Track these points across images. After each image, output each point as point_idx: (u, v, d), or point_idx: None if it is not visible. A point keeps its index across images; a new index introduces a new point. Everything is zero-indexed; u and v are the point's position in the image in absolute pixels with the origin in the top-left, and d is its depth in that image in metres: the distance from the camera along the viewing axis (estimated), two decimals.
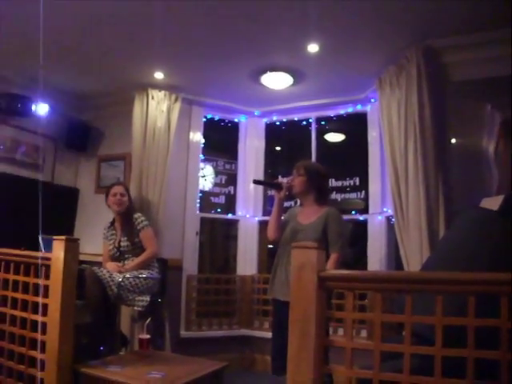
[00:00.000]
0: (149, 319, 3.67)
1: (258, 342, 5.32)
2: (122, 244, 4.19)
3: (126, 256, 4.19)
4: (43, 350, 2.93)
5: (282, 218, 3.71)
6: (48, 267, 3.01)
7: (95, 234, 5.01)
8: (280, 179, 3.64)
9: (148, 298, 3.97)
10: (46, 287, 3.00)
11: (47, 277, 3.01)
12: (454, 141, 4.01)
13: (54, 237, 3.03)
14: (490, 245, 2.28)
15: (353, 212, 5.15)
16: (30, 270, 3.11)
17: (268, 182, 3.72)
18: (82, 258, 4.92)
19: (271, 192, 5.77)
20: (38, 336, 2.96)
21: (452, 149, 3.97)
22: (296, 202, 5.12)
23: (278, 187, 3.65)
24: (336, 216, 3.46)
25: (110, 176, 5.60)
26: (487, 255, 2.24)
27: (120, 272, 3.96)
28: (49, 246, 3.12)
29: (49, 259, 3.01)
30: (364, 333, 4.66)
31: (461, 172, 3.85)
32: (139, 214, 4.35)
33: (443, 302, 1.73)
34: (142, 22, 3.86)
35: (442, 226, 3.64)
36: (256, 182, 4.12)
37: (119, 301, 3.93)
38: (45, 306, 2.97)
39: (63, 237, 2.96)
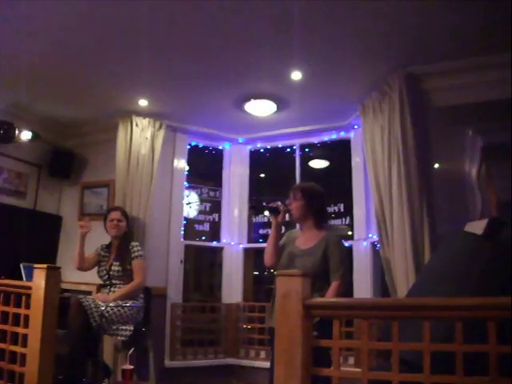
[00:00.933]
0: (132, 349, 3.61)
1: (245, 371, 5.24)
2: (112, 268, 4.13)
3: (114, 282, 4.12)
4: (21, 382, 2.84)
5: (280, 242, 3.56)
6: (28, 296, 2.95)
7: None
8: (276, 203, 3.50)
9: (132, 328, 3.91)
10: (27, 317, 2.93)
11: (27, 306, 2.95)
12: (437, 165, 4.03)
13: (35, 265, 2.96)
14: (477, 268, 2.28)
15: (341, 238, 5.11)
16: (9, 300, 3.04)
17: (265, 206, 3.60)
18: (64, 286, 4.88)
19: (255, 219, 5.77)
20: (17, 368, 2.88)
21: (435, 173, 3.99)
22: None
23: (276, 211, 3.46)
24: (337, 241, 3.31)
25: (93, 203, 5.57)
26: (474, 279, 2.24)
27: (104, 301, 3.88)
28: (30, 275, 3.05)
29: (30, 288, 2.94)
30: (351, 360, 4.61)
31: (444, 196, 3.87)
32: (136, 244, 4.32)
33: (431, 327, 1.71)
34: (126, 50, 3.87)
35: (427, 250, 3.63)
36: (252, 207, 4.02)
37: (102, 330, 3.86)
38: (24, 337, 2.90)
39: (44, 265, 2.90)
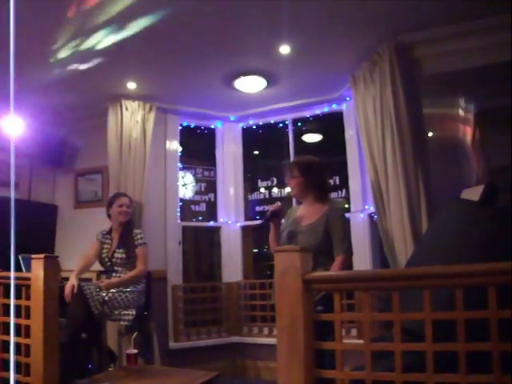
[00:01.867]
0: (135, 333, 3.62)
1: (249, 349, 5.28)
2: (115, 255, 4.12)
3: (116, 269, 4.12)
4: (28, 373, 2.85)
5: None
6: (28, 287, 2.94)
7: (76, 250, 4.93)
8: (274, 206, 3.39)
9: (134, 312, 3.93)
10: (28, 308, 2.93)
11: (28, 297, 2.94)
12: (430, 134, 4.02)
13: (33, 255, 2.96)
14: (476, 235, 2.28)
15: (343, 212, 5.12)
16: (8, 292, 3.03)
17: (268, 217, 3.47)
18: (63, 274, 4.87)
19: (251, 196, 5.77)
20: (18, 358, 2.88)
21: (429, 142, 3.97)
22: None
23: (277, 216, 3.36)
24: (339, 215, 3.25)
25: (87, 190, 5.55)
26: (473, 245, 2.23)
27: (107, 287, 3.88)
28: (29, 266, 3.04)
29: (29, 279, 2.94)
30: (354, 332, 4.65)
31: (439, 164, 3.86)
32: (140, 231, 4.31)
33: (432, 297, 1.71)
34: (111, 32, 3.79)
35: (424, 220, 3.64)
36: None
37: (104, 317, 3.88)
38: (27, 327, 2.90)
39: (42, 255, 2.90)
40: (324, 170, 3.50)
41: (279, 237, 3.37)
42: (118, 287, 3.95)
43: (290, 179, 3.39)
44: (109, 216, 4.36)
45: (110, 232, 4.35)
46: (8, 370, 2.95)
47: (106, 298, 3.81)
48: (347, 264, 3.13)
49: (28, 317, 2.92)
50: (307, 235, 3.19)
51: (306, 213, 3.35)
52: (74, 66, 4.38)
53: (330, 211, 3.24)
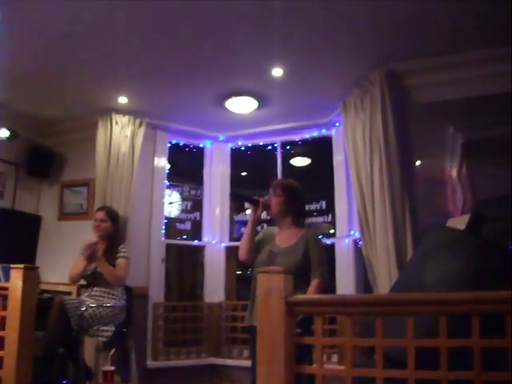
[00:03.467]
0: (113, 350, 3.55)
1: (227, 371, 5.21)
2: (98, 269, 4.05)
3: (98, 282, 4.06)
4: None
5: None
6: (5, 297, 2.88)
7: (58, 262, 4.89)
8: (257, 197, 3.40)
9: (113, 328, 3.88)
10: (3, 318, 2.87)
11: (4, 307, 2.88)
12: (418, 162, 4.04)
13: (12, 265, 2.90)
14: (460, 263, 2.27)
15: (320, 236, 5.12)
16: None
17: (246, 196, 3.51)
18: (44, 287, 4.81)
19: (237, 217, 5.74)
20: None
21: (417, 170, 3.99)
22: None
23: (255, 204, 3.35)
24: (317, 239, 3.31)
25: (73, 202, 5.49)
26: (458, 273, 2.23)
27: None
28: (8, 275, 2.99)
29: (6, 289, 2.88)
30: (335, 358, 4.61)
31: (426, 193, 3.88)
32: (123, 245, 4.28)
33: (414, 323, 1.69)
34: (105, 48, 3.82)
35: (409, 247, 3.63)
36: (233, 194, 3.93)
37: (83, 332, 3.81)
38: (1, 339, 2.84)
39: (21, 265, 2.84)
40: (304, 195, 3.52)
41: (254, 234, 3.38)
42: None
43: (271, 197, 3.38)
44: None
45: (96, 244, 4.29)
46: None
47: (85, 313, 3.75)
48: (322, 287, 3.13)
49: (3, 328, 2.85)
50: (286, 257, 3.18)
51: (283, 235, 3.35)
52: (66, 78, 4.37)
53: (308, 234, 3.27)
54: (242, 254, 3.39)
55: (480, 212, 2.75)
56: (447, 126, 4.23)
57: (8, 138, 4.95)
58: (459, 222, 2.76)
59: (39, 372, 3.31)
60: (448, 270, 2.29)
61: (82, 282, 4.22)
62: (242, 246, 3.40)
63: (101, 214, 4.32)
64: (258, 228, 3.63)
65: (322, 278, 3.13)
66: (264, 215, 3.52)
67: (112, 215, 4.40)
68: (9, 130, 4.93)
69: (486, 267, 2.21)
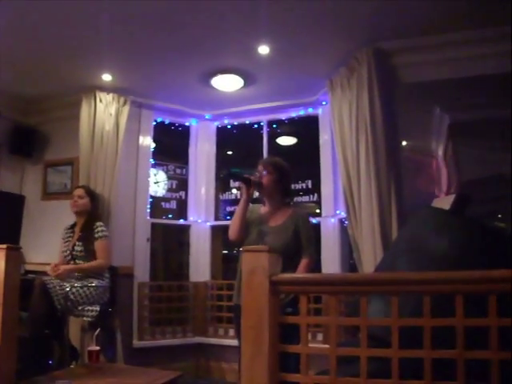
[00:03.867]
0: (98, 330, 3.54)
1: (213, 350, 5.24)
2: (75, 248, 4.08)
3: (77, 262, 4.06)
4: None
5: None
6: None
7: (42, 243, 4.85)
8: (249, 175, 3.38)
9: (98, 308, 3.88)
10: None
11: None
12: (404, 143, 4.04)
13: None
14: (445, 243, 2.28)
15: (309, 216, 5.13)
16: None
17: (238, 174, 3.48)
18: (28, 267, 4.78)
19: (223, 196, 5.72)
20: None
21: (403, 150, 3.99)
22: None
23: (248, 183, 3.31)
24: (307, 219, 3.33)
25: (56, 182, 5.45)
26: (442, 254, 2.24)
27: (57, 275, 3.82)
28: None
29: None
30: (320, 336, 4.64)
31: (412, 173, 3.88)
32: (101, 224, 4.24)
33: (399, 302, 1.70)
34: (87, 23, 3.73)
35: (394, 227, 3.65)
36: (227, 173, 3.90)
37: (68, 312, 3.80)
38: None
39: (4, 245, 2.81)
40: (292, 175, 3.53)
41: (245, 213, 3.35)
42: (73, 272, 3.93)
43: (262, 175, 3.36)
44: None
45: (74, 225, 4.32)
46: None
47: (70, 294, 3.74)
48: (312, 266, 3.18)
49: None
50: (275, 236, 3.20)
51: (271, 214, 3.36)
52: (48, 54, 4.29)
53: (298, 214, 3.30)
54: (233, 233, 3.36)
55: (465, 193, 2.76)
56: (434, 107, 4.21)
57: None
58: (444, 203, 2.78)
59: (24, 353, 3.30)
60: (433, 250, 2.30)
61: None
62: (233, 225, 3.37)
63: (79, 191, 4.35)
64: None
65: (311, 258, 3.18)
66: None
67: (90, 192, 4.43)
68: None
69: (470, 247, 2.22)
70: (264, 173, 3.37)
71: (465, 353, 1.58)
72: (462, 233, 2.32)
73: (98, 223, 4.22)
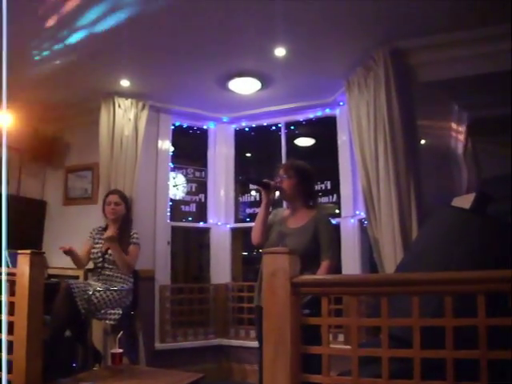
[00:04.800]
0: (121, 332, 3.58)
1: (235, 351, 5.26)
2: (109, 252, 4.07)
3: (107, 266, 4.08)
4: (10, 371, 2.81)
5: None
6: (13, 283, 2.90)
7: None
8: (269, 180, 3.41)
9: (120, 311, 3.91)
10: (12, 304, 2.89)
11: (12, 293, 2.90)
12: (423, 141, 4.02)
13: (19, 251, 2.92)
14: (466, 242, 2.27)
15: (330, 218, 5.11)
16: None
17: (257, 180, 3.52)
18: (51, 271, 4.84)
19: (242, 198, 5.74)
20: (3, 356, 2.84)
21: (422, 149, 3.97)
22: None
23: (267, 187, 3.36)
24: (327, 221, 3.31)
25: (77, 187, 5.51)
26: (463, 253, 2.23)
27: (109, 239, 3.91)
28: (15, 261, 3.00)
29: (14, 274, 2.90)
30: (341, 337, 4.63)
31: (431, 172, 3.86)
32: (136, 231, 4.28)
33: (420, 303, 1.70)
34: (106, 30, 3.77)
35: (414, 226, 3.63)
36: (245, 179, 3.95)
37: (91, 315, 3.84)
38: (11, 324, 2.86)
39: (28, 251, 2.86)
40: (315, 176, 3.56)
41: (267, 217, 3.40)
42: (114, 249, 3.98)
43: (283, 179, 3.39)
44: (105, 216, 4.37)
45: (105, 228, 4.33)
46: None
47: (93, 297, 3.78)
48: (333, 269, 3.16)
49: (12, 313, 2.88)
50: (295, 238, 3.21)
51: (294, 216, 3.38)
52: (67, 62, 4.35)
53: (319, 216, 3.29)
54: (256, 237, 3.40)
55: (485, 191, 2.74)
56: (452, 105, 4.19)
57: (11, 125, 4.93)
58: (464, 201, 2.76)
59: (48, 356, 3.34)
60: (453, 248, 2.29)
61: (89, 265, 4.26)
62: (256, 229, 3.41)
63: (115, 197, 4.32)
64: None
65: (332, 261, 3.15)
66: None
67: (125, 198, 4.43)
68: (12, 116, 4.91)
69: (491, 247, 2.21)
70: (284, 177, 3.39)
71: (488, 353, 1.58)
72: (482, 232, 2.31)
73: (134, 230, 4.27)
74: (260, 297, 3.24)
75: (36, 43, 4.01)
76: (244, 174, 5.67)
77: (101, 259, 4.10)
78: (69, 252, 3.88)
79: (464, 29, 3.69)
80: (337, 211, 5.11)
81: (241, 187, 5.82)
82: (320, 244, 3.18)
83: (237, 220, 5.74)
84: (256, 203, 5.65)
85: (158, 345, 5.07)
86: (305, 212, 3.35)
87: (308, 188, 3.42)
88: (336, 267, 3.26)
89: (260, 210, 3.42)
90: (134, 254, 4.14)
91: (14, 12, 3.39)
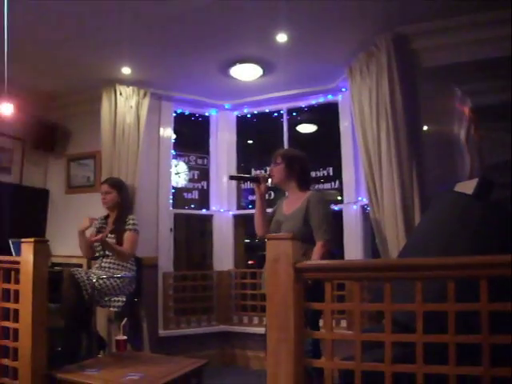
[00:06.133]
0: (125, 320, 3.60)
1: (238, 338, 5.29)
2: (107, 240, 4.08)
3: (107, 253, 4.11)
4: (15, 358, 2.83)
5: (270, 210, 3.59)
6: (17, 271, 2.92)
7: (67, 235, 4.92)
8: (256, 173, 3.49)
9: (124, 299, 3.94)
10: (17, 292, 2.91)
11: (17, 281, 2.92)
12: (425, 127, 4.01)
13: (23, 239, 2.93)
14: (468, 228, 2.28)
15: (323, 198, 5.09)
16: None
17: (245, 176, 3.60)
18: (54, 260, 4.86)
19: (244, 185, 5.74)
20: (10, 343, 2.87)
21: (424, 135, 3.96)
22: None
23: (256, 180, 3.48)
24: (317, 200, 3.31)
25: (79, 175, 5.52)
26: (465, 238, 2.23)
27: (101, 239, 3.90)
28: (19, 250, 3.02)
29: (18, 263, 2.91)
30: (344, 323, 4.65)
31: (433, 158, 3.85)
32: (133, 217, 4.27)
33: (423, 289, 1.70)
34: (107, 17, 3.76)
35: (417, 212, 3.63)
36: (232, 177, 4.04)
37: (94, 303, 3.86)
38: (16, 312, 2.88)
39: (31, 239, 2.87)
40: (306, 161, 3.60)
41: (264, 208, 3.53)
42: (106, 246, 3.98)
43: (273, 167, 3.51)
44: None
45: (107, 217, 4.39)
46: None
47: (97, 284, 3.80)
48: (327, 249, 3.17)
49: (17, 301, 2.90)
50: (289, 223, 3.29)
51: (290, 202, 3.47)
52: (68, 50, 4.33)
53: (309, 197, 3.33)
54: (258, 229, 3.54)
55: (488, 177, 2.74)
56: (455, 90, 4.17)
57: (12, 114, 4.92)
58: (467, 187, 2.76)
59: (58, 344, 3.38)
60: (456, 234, 2.30)
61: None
62: (256, 221, 3.54)
63: (105, 187, 4.35)
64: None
65: (325, 240, 3.17)
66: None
67: (116, 185, 4.41)
68: (13, 105, 4.89)
69: (493, 231, 2.21)
70: (273, 164, 3.51)
71: (490, 337, 1.58)
72: (484, 217, 2.31)
73: (131, 216, 4.27)
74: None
75: (38, 32, 4.00)
76: (231, 173, 5.62)
77: (100, 246, 4.14)
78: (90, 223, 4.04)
79: (466, 13, 3.67)
80: (339, 198, 5.11)
81: (243, 174, 5.79)
82: (312, 225, 3.22)
83: (239, 207, 5.74)
84: None
85: (162, 332, 5.10)
86: (298, 197, 3.41)
87: (298, 171, 3.47)
88: (332, 246, 3.26)
89: (256, 203, 3.54)
90: (130, 242, 4.12)
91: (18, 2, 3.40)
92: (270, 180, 3.54)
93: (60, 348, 3.43)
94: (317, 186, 5.25)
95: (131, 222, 4.20)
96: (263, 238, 3.50)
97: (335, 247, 3.44)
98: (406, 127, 3.78)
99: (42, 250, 2.94)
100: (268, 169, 3.52)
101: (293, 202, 3.41)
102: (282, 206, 3.50)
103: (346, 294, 4.53)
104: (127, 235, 4.13)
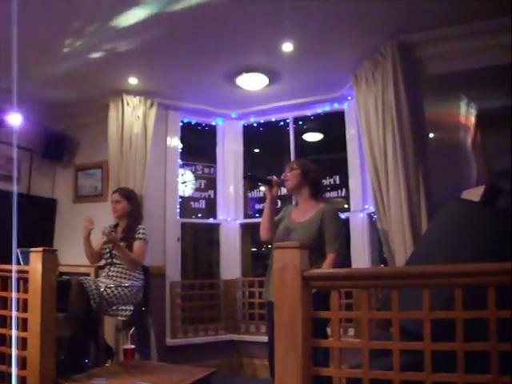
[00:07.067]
0: (133, 329, 3.61)
1: (245, 346, 5.28)
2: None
3: (115, 262, 4.12)
4: (24, 367, 2.84)
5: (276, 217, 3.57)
6: (26, 280, 2.94)
7: (75, 245, 4.92)
8: (271, 177, 3.46)
9: (131, 308, 3.94)
10: (25, 301, 2.92)
11: (25, 290, 2.93)
12: (431, 135, 4.01)
13: (31, 249, 2.95)
14: (476, 235, 2.27)
15: (337, 211, 5.11)
16: (7, 285, 3.02)
17: (259, 177, 3.58)
18: (62, 269, 4.87)
19: (251, 194, 5.75)
20: (16, 352, 2.87)
21: (430, 143, 3.96)
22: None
23: (270, 183, 3.42)
24: (333, 214, 3.30)
25: (87, 185, 5.54)
26: (473, 246, 2.23)
27: (109, 237, 3.92)
28: (28, 259, 3.04)
29: (26, 272, 2.93)
30: (351, 331, 4.64)
31: (440, 165, 3.85)
32: (143, 227, 4.28)
33: (431, 297, 1.70)
34: (114, 28, 3.79)
35: (424, 220, 3.63)
36: (247, 177, 4.02)
37: (102, 312, 3.87)
38: (24, 321, 2.90)
39: (40, 248, 2.89)
40: (321, 170, 3.64)
41: (273, 213, 3.46)
42: (116, 248, 3.99)
43: (287, 173, 3.47)
44: None
45: (116, 226, 4.39)
46: (4, 363, 2.95)
47: (104, 294, 3.81)
48: (338, 262, 3.16)
49: (25, 310, 2.91)
50: (301, 232, 3.24)
51: (300, 210, 3.43)
52: (75, 61, 4.37)
53: (325, 209, 3.31)
54: (263, 233, 3.47)
55: (495, 184, 2.73)
56: (461, 97, 4.18)
57: (21, 124, 4.96)
58: (474, 194, 2.75)
59: (65, 353, 3.39)
60: (463, 241, 2.29)
61: (101, 262, 4.30)
62: (263, 225, 3.47)
63: (115, 196, 4.36)
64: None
65: (338, 254, 3.16)
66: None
67: (126, 195, 4.42)
68: (21, 115, 4.94)
69: (501, 238, 2.20)
70: (288, 170, 3.47)
71: (498, 345, 1.58)
72: (492, 224, 2.31)
73: (141, 226, 4.28)
74: (268, 291, 3.27)
75: (45, 45, 4.04)
76: (247, 172, 5.66)
77: (109, 255, 4.14)
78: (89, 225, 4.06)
79: (472, 21, 3.68)
80: (346, 206, 5.11)
81: (250, 183, 5.81)
82: (325, 237, 3.20)
83: (246, 216, 5.75)
84: (265, 199, 5.63)
85: (170, 340, 5.10)
86: (310, 206, 3.38)
87: (312, 180, 3.44)
88: (341, 261, 3.27)
89: (265, 206, 3.49)
90: (139, 250, 4.13)
91: (27, 13, 3.43)
92: (282, 184, 3.50)
93: (64, 357, 3.42)
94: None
95: (141, 231, 4.21)
96: (267, 243, 3.52)
97: (343, 258, 3.43)
98: (411, 135, 3.78)
99: (51, 260, 2.96)
100: (282, 175, 3.47)
101: (304, 211, 3.38)
102: (290, 214, 3.48)
103: (353, 302, 4.53)
104: (136, 244, 4.14)
